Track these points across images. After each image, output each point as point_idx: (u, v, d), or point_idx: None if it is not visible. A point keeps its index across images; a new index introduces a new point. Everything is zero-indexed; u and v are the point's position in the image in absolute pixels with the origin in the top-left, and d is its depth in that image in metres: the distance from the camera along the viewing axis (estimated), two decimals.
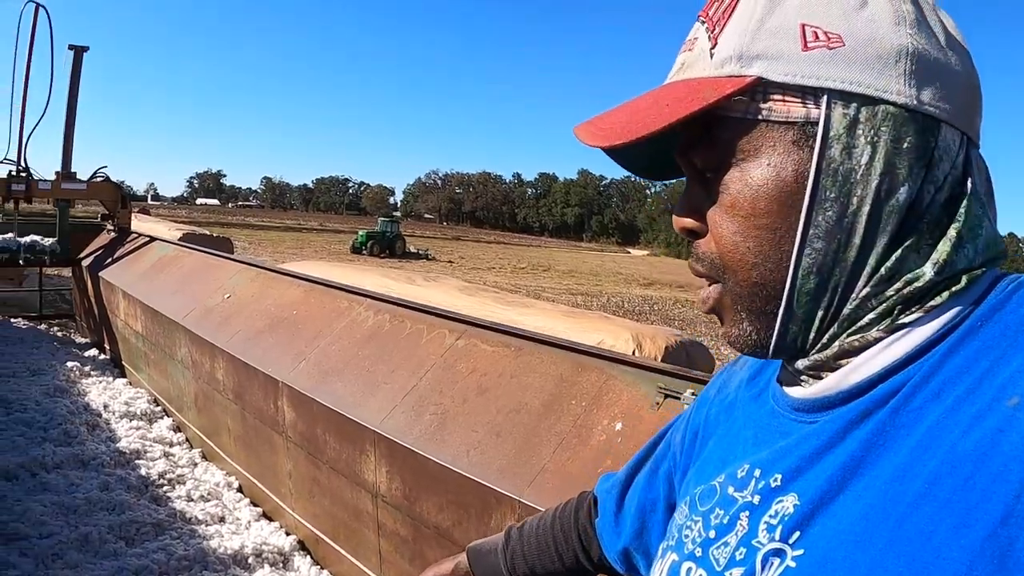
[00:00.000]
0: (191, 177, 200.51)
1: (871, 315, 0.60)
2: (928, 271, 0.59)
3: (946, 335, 0.57)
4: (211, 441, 5.13)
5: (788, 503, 0.60)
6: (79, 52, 9.61)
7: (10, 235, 9.14)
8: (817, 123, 0.59)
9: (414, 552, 3.10)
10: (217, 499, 4.58)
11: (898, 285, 0.59)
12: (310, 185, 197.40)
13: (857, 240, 0.59)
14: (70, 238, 9.39)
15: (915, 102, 0.58)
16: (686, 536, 0.73)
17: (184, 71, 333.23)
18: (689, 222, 0.68)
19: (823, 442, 0.60)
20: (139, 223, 10.25)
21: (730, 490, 0.69)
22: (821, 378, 0.64)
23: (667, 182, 1.05)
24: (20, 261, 9.14)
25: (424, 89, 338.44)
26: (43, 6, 9.15)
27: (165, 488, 4.65)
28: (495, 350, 3.23)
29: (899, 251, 0.59)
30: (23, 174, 9.06)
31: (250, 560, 3.85)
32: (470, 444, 2.82)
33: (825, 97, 0.58)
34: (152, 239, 8.24)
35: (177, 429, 5.77)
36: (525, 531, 1.14)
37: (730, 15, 0.62)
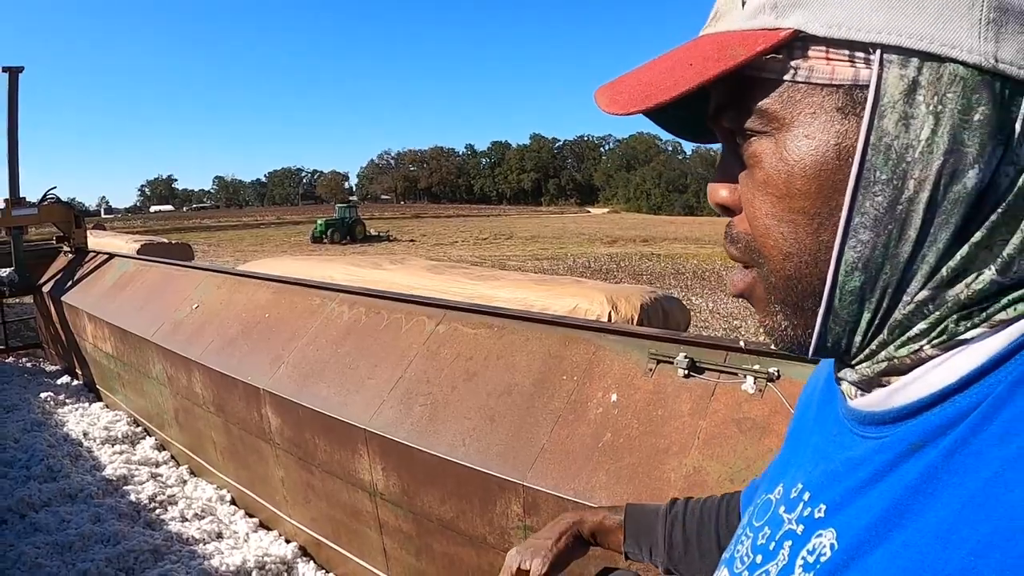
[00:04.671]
0: (142, 185, 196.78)
1: (924, 324, 0.51)
2: (992, 274, 0.48)
3: (1013, 354, 0.47)
4: (197, 456, 5.05)
5: (826, 540, 0.54)
6: (14, 73, 9.31)
7: None
8: (867, 87, 0.48)
9: (419, 546, 3.07)
10: (211, 515, 4.52)
11: (958, 289, 0.49)
12: (263, 180, 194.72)
13: (912, 233, 0.49)
14: (27, 265, 9.20)
15: (992, 61, 0.46)
16: (738, 552, 0.69)
17: (122, 79, 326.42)
18: (723, 195, 0.59)
19: (870, 474, 0.53)
20: (96, 239, 10.07)
21: (781, 510, 0.64)
22: (869, 391, 0.56)
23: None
24: None
25: (368, 70, 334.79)
26: None
27: (157, 511, 4.59)
28: (477, 332, 3.19)
29: (965, 248, 0.49)
30: None
31: (254, 574, 3.81)
32: (464, 432, 2.78)
33: (878, 54, 0.48)
34: (111, 256, 8.07)
35: (161, 448, 5.69)
36: (691, 504, 1.10)
37: None
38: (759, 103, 0.52)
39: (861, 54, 0.48)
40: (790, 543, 0.59)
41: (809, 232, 0.52)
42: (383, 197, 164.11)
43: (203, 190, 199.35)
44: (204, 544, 4.15)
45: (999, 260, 0.48)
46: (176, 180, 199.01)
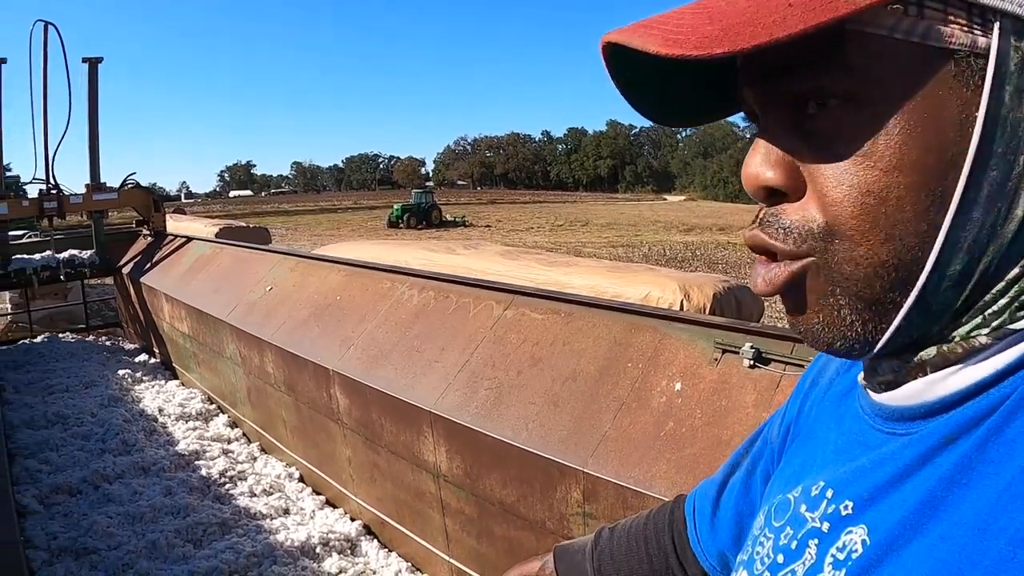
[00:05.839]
0: (221, 171, 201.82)
1: (1002, 302, 0.48)
2: None
3: None
4: (268, 434, 5.18)
5: (857, 537, 0.51)
6: (93, 64, 9.66)
7: (48, 252, 9.34)
8: (983, 55, 0.44)
9: (480, 529, 3.08)
10: (279, 491, 4.63)
11: None
12: (340, 165, 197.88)
13: (1020, 211, 0.46)
14: (107, 248, 9.58)
15: None
16: (757, 553, 0.66)
17: (203, 67, 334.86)
18: (775, 176, 0.51)
19: (900, 469, 0.50)
20: (175, 223, 10.38)
21: (802, 508, 0.60)
22: (904, 382, 0.52)
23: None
24: (61, 276, 9.35)
25: (445, 56, 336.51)
26: (51, 23, 9.19)
27: (227, 486, 4.71)
28: (545, 317, 3.18)
29: None
30: (53, 191, 9.25)
31: (318, 549, 3.88)
32: (528, 417, 2.78)
33: (998, 23, 0.44)
34: (189, 239, 8.32)
35: (233, 425, 5.85)
36: (616, 531, 1.04)
37: None
38: (861, 62, 0.46)
39: (978, 21, 0.45)
40: (816, 541, 0.56)
41: (920, 211, 0.46)
42: (459, 183, 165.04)
43: (281, 175, 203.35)
44: (271, 519, 4.25)
45: None
46: (255, 166, 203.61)
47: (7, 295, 11.35)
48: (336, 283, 4.71)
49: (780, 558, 0.61)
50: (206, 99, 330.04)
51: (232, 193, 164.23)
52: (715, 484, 0.91)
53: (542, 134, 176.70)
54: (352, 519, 4.17)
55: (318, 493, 4.55)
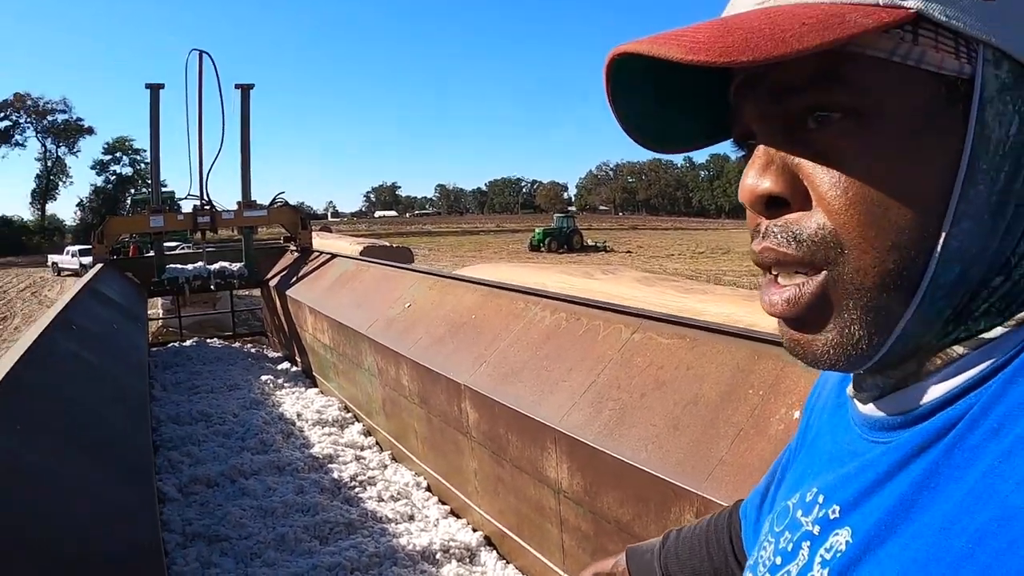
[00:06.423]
0: (367, 192, 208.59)
1: (984, 307, 0.53)
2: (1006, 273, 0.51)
3: (1019, 355, 0.49)
4: (400, 444, 5.38)
5: (842, 538, 0.56)
6: (245, 90, 10.40)
7: (200, 263, 10.04)
8: (969, 80, 0.50)
9: (596, 546, 3.14)
10: (406, 498, 4.78)
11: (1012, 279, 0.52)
12: (483, 188, 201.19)
13: (1003, 223, 0.51)
14: (256, 261, 10.19)
15: None
16: (761, 556, 0.71)
17: (351, 91, 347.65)
18: (777, 185, 0.55)
19: (880, 474, 0.54)
20: (321, 240, 10.92)
21: (798, 514, 0.65)
22: (887, 394, 0.57)
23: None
24: (211, 286, 10.06)
25: (587, 82, 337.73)
26: (206, 53, 9.93)
27: (356, 489, 4.92)
28: (671, 342, 3.22)
29: None
30: (207, 207, 10.00)
31: (438, 556, 4.00)
32: (648, 438, 2.84)
33: (981, 53, 0.50)
34: (333, 256, 8.73)
35: (367, 434, 6.09)
36: (682, 533, 1.11)
37: None
38: (863, 82, 0.51)
39: (964, 50, 0.50)
40: (808, 543, 0.61)
41: (919, 221, 0.50)
42: (601, 208, 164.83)
43: (425, 197, 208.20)
44: (395, 524, 4.40)
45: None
46: (400, 187, 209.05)
47: (160, 301, 12.21)
48: (472, 302, 4.89)
49: (778, 560, 0.66)
50: (354, 122, 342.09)
51: (377, 213, 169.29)
52: (759, 492, 0.96)
53: (684, 160, 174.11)
54: (474, 530, 4.28)
55: (443, 503, 4.69)
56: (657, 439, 2.80)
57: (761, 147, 0.56)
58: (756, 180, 0.55)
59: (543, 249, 40.34)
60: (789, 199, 0.54)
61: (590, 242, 44.19)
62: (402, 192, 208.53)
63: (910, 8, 0.49)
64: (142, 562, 2.75)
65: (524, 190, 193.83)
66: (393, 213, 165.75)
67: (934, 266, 0.50)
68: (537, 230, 43.24)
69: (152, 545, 2.93)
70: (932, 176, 0.50)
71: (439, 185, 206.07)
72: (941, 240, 0.50)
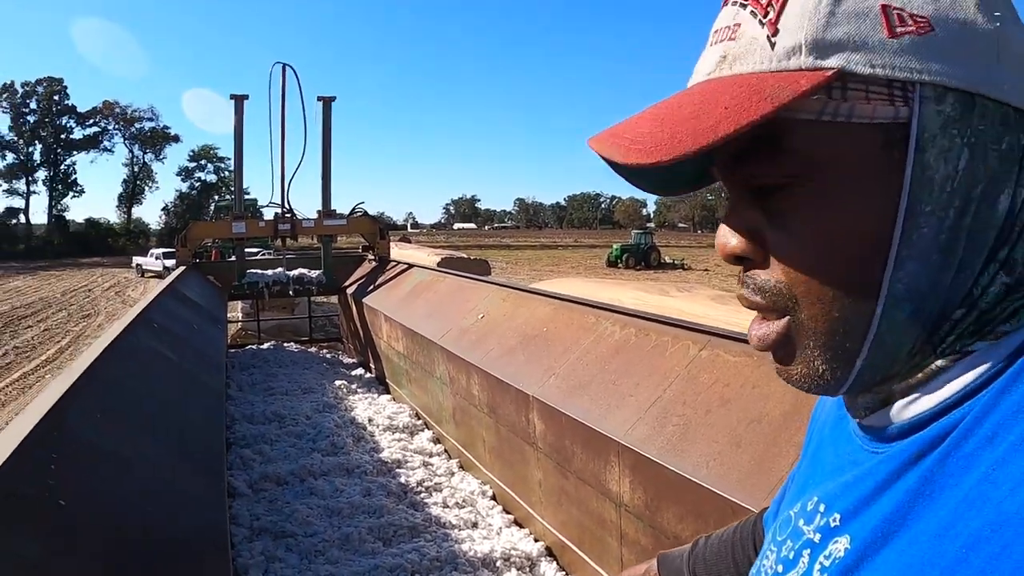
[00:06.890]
0: (447, 204, 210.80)
1: (951, 338, 0.54)
2: (1003, 278, 0.53)
3: (1009, 365, 0.50)
4: (468, 452, 5.44)
5: (841, 545, 0.57)
6: (327, 102, 10.67)
7: (279, 269, 10.30)
8: (906, 124, 0.50)
9: None
10: (471, 506, 4.83)
11: (981, 303, 0.53)
12: (562, 203, 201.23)
13: (955, 259, 0.52)
14: (334, 269, 10.43)
15: (1015, 96, 0.51)
16: (763, 565, 0.72)
17: (434, 104, 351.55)
18: (742, 247, 0.59)
19: (878, 483, 0.56)
20: (399, 251, 11.12)
21: (800, 523, 0.66)
22: (880, 408, 0.59)
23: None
24: (290, 292, 10.31)
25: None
26: (289, 65, 10.22)
27: (423, 495, 4.97)
28: (738, 360, 3.22)
29: (991, 268, 0.53)
30: (288, 215, 10.28)
31: (498, 563, 4.03)
32: (710, 455, 2.84)
33: (917, 93, 0.50)
34: (410, 266, 8.88)
35: (436, 441, 6.15)
36: (711, 539, 1.14)
37: None
38: (796, 146, 0.53)
39: (899, 93, 0.50)
40: (809, 551, 0.62)
41: (859, 271, 0.53)
42: (680, 225, 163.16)
43: (504, 210, 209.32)
44: (459, 530, 4.44)
45: (1012, 279, 0.53)
46: (479, 200, 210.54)
47: (240, 305, 12.57)
48: (544, 315, 4.94)
49: (780, 568, 0.67)
50: (435, 134, 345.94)
51: (456, 225, 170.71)
52: (776, 501, 0.98)
53: None
54: (536, 540, 4.30)
55: (507, 512, 4.72)
56: (719, 456, 2.81)
57: (730, 205, 0.61)
58: (725, 239, 0.60)
59: (620, 265, 40.23)
60: (751, 256, 0.59)
61: (667, 259, 43.83)
62: (481, 205, 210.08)
63: (830, 69, 0.50)
64: (208, 550, 2.86)
65: (603, 205, 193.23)
66: (472, 225, 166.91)
67: (880, 309, 0.53)
68: (615, 246, 43.16)
69: (219, 535, 3.03)
70: (873, 225, 0.52)
71: (518, 199, 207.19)
72: (885, 284, 0.52)
